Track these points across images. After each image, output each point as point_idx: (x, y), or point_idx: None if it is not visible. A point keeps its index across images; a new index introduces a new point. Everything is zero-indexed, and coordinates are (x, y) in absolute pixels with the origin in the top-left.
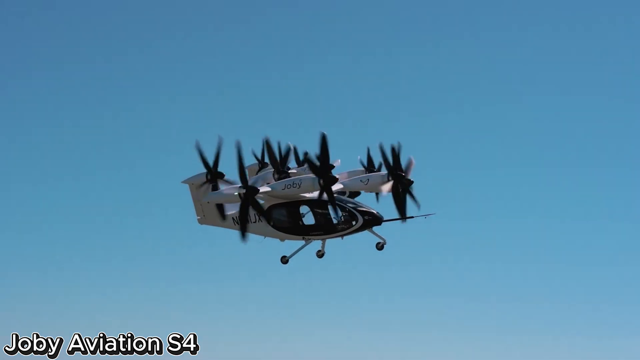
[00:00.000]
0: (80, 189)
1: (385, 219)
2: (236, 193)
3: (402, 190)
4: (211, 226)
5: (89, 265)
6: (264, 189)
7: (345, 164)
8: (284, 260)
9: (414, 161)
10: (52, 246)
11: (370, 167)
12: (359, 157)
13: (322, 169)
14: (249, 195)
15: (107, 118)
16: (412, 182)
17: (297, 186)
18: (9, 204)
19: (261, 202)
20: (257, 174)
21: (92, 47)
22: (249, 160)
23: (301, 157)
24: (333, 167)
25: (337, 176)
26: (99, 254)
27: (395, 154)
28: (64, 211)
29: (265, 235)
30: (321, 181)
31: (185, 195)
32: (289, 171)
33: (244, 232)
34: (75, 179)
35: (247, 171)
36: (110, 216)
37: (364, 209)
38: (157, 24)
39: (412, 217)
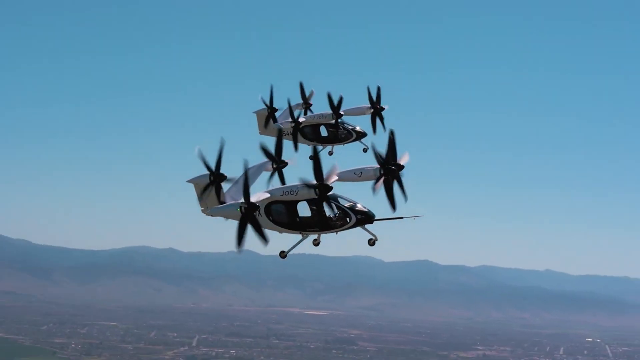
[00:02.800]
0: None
1: (376, 218)
2: (237, 209)
3: (392, 179)
4: (212, 216)
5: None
6: (263, 195)
7: (351, 101)
8: (283, 255)
9: (408, 156)
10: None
11: (377, 103)
12: (367, 85)
13: (317, 180)
14: (249, 212)
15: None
16: (403, 167)
17: (295, 193)
18: None
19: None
20: (265, 119)
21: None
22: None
23: (307, 93)
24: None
25: (331, 185)
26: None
27: (392, 144)
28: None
29: (266, 228)
30: (317, 190)
31: (190, 191)
32: (300, 121)
33: (240, 243)
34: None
35: (257, 116)
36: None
37: (358, 208)
38: (158, 29)
39: (402, 217)
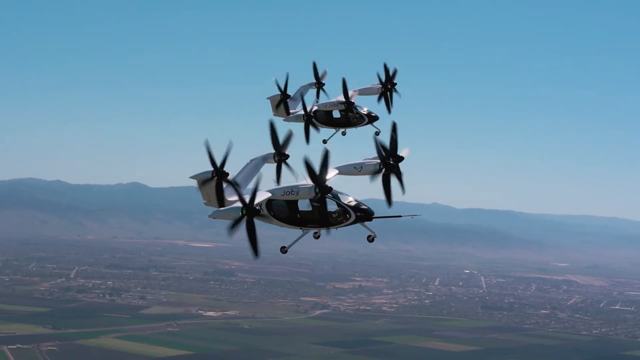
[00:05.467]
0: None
1: (375, 215)
2: (238, 214)
3: (391, 174)
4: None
5: None
6: (264, 195)
7: (362, 80)
8: (283, 250)
9: (408, 151)
10: None
11: (387, 82)
12: (377, 72)
13: (319, 181)
14: (249, 216)
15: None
16: (403, 158)
17: (295, 193)
18: None
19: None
20: (277, 104)
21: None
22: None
23: (320, 72)
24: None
25: (331, 186)
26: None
27: (394, 137)
28: None
29: (267, 222)
30: (317, 189)
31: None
32: (311, 113)
33: (255, 250)
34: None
35: (270, 102)
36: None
37: (357, 206)
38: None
39: (400, 216)
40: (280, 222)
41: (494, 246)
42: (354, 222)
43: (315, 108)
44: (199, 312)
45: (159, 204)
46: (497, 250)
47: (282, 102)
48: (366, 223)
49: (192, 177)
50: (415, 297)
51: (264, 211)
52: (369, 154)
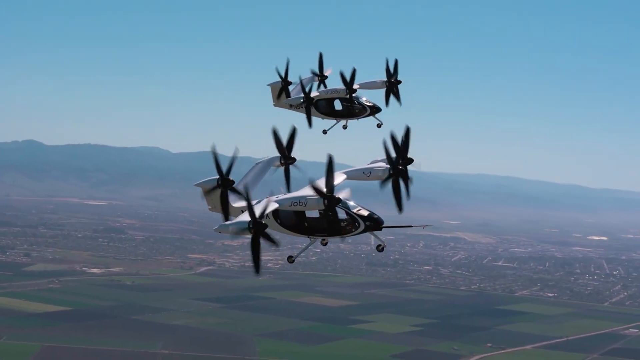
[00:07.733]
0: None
1: (385, 224)
2: (245, 227)
3: (400, 179)
4: (219, 213)
5: None
6: (271, 206)
7: (366, 74)
8: (290, 260)
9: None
10: None
11: (392, 77)
12: (386, 58)
13: (327, 191)
14: (258, 231)
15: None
16: (412, 160)
17: (303, 205)
18: None
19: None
20: (279, 92)
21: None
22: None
23: (325, 67)
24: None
25: (340, 196)
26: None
27: (406, 141)
28: None
29: (274, 230)
30: (325, 201)
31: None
32: (312, 96)
33: (257, 266)
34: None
35: (271, 88)
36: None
37: (367, 215)
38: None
39: (411, 226)
40: (287, 230)
41: (386, 204)
42: (363, 232)
43: (316, 94)
44: (83, 269)
45: (54, 162)
46: (390, 208)
47: (283, 90)
48: (376, 233)
49: (196, 185)
50: (302, 254)
51: (271, 220)
52: (371, 146)
